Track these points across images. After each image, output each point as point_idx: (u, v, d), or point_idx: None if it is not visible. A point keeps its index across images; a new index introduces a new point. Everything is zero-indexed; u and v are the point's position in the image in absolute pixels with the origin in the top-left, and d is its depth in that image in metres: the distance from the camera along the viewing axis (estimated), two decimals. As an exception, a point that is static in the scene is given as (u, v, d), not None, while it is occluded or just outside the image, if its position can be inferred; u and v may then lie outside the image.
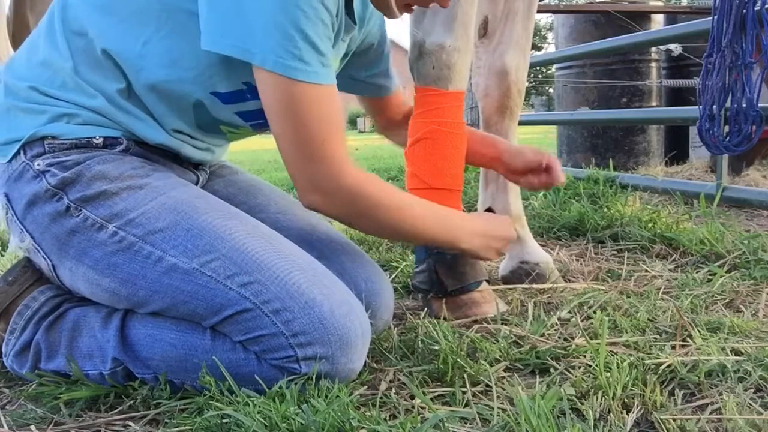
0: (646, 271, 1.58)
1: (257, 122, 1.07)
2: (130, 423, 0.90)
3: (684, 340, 1.09)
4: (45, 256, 1.00)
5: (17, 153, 0.98)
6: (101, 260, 0.95)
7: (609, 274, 1.57)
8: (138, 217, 0.95)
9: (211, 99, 1.01)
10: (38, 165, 0.96)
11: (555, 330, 1.16)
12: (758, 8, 1.89)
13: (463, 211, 1.76)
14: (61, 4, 1.01)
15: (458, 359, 0.97)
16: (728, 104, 2.03)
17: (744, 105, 1.98)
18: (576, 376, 0.93)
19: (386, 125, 1.43)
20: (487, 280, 1.33)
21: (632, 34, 3.12)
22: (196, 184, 1.14)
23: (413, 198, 1.10)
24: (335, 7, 0.95)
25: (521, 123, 1.79)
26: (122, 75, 0.98)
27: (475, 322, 1.24)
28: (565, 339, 1.11)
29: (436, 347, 1.01)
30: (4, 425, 0.91)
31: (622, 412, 0.84)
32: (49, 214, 0.96)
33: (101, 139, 0.99)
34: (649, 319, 1.18)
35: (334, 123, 0.96)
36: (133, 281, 0.94)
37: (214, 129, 1.09)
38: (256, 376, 0.90)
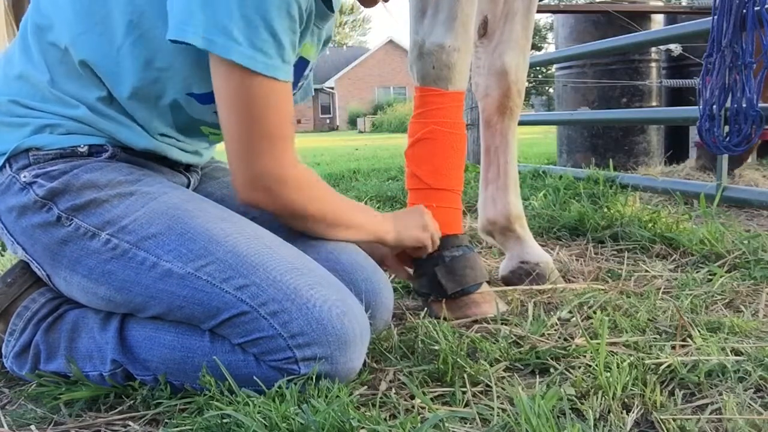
0: (646, 271, 1.58)
1: None
2: (130, 423, 0.90)
3: (684, 340, 1.09)
4: (39, 267, 1.00)
5: (2, 167, 0.97)
6: (95, 269, 0.95)
7: (609, 274, 1.57)
8: (130, 223, 0.94)
9: (187, 100, 1.00)
10: (24, 177, 0.96)
11: (555, 330, 1.16)
12: (758, 8, 1.89)
13: (463, 211, 1.76)
14: (34, 15, 0.99)
15: (458, 359, 0.97)
16: (728, 104, 2.04)
17: (744, 105, 1.98)
18: (576, 376, 0.93)
19: None
20: (487, 282, 1.33)
21: (632, 34, 3.12)
22: (188, 186, 1.14)
23: (344, 200, 1.13)
24: (306, 1, 0.95)
25: (521, 123, 1.79)
26: (101, 83, 0.97)
27: (475, 322, 1.24)
28: (565, 339, 1.11)
29: (436, 347, 1.01)
30: (4, 425, 0.91)
31: (622, 412, 0.84)
32: (40, 225, 0.96)
33: (86, 148, 0.98)
34: (649, 319, 1.18)
35: (288, 120, 0.96)
36: (129, 288, 0.94)
37: (195, 130, 1.08)
38: (255, 378, 0.89)
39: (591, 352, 1.01)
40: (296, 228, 1.08)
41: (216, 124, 1.07)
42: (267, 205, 0.99)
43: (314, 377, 0.89)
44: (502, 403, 0.88)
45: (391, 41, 37.29)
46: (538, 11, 2.77)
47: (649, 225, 1.91)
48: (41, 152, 0.97)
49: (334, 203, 1.09)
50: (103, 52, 0.95)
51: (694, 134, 3.54)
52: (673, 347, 1.05)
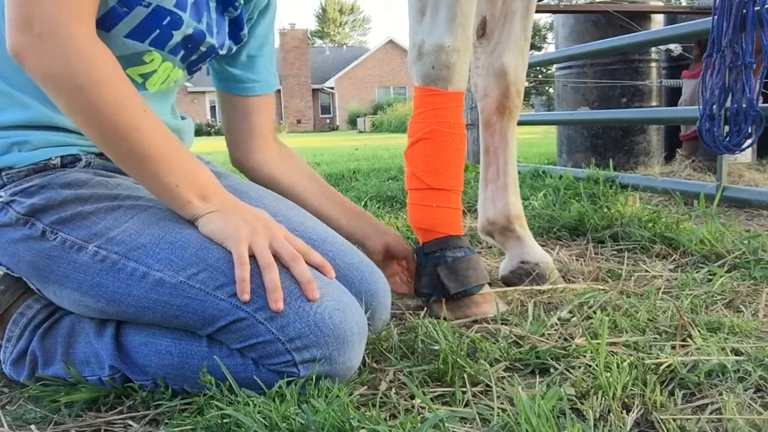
0: (646, 271, 1.58)
1: (153, 37, 0.99)
2: (130, 423, 0.90)
3: (684, 340, 1.09)
4: (27, 280, 1.00)
5: None
6: (84, 282, 0.93)
7: (609, 274, 1.57)
8: (119, 234, 0.92)
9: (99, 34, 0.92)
10: (1, 197, 0.95)
11: (555, 330, 1.16)
12: (758, 8, 1.89)
13: (463, 211, 1.76)
14: None
15: (458, 359, 0.97)
16: (728, 104, 2.04)
17: (744, 105, 1.98)
18: (576, 376, 0.93)
19: (245, 153, 1.26)
20: (489, 283, 1.33)
21: (632, 34, 3.12)
22: None
23: (154, 117, 0.91)
24: None
25: (521, 123, 1.79)
26: None
27: (475, 322, 1.24)
28: (565, 339, 1.11)
29: (436, 347, 1.01)
30: (4, 425, 0.91)
31: (622, 412, 0.84)
32: (22, 240, 0.94)
33: (58, 159, 0.98)
34: (649, 319, 1.18)
35: None
36: (120, 300, 0.92)
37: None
38: (254, 380, 0.88)
39: (591, 352, 1.01)
40: (69, 111, 0.88)
41: (139, 51, 0.99)
42: (33, 59, 0.83)
43: (314, 378, 0.88)
44: (502, 403, 0.88)
45: (391, 41, 37.31)
46: (538, 11, 2.77)
47: (649, 225, 1.91)
48: (14, 170, 0.96)
49: (129, 109, 0.87)
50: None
51: (683, 130, 3.55)
52: (673, 347, 1.05)
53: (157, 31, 0.99)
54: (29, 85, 0.95)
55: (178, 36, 1.02)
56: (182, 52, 1.06)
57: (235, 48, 1.17)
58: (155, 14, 0.97)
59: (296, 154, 1.35)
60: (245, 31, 1.16)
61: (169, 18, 0.98)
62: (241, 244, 0.89)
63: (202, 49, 1.08)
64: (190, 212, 0.94)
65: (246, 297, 0.87)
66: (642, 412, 0.85)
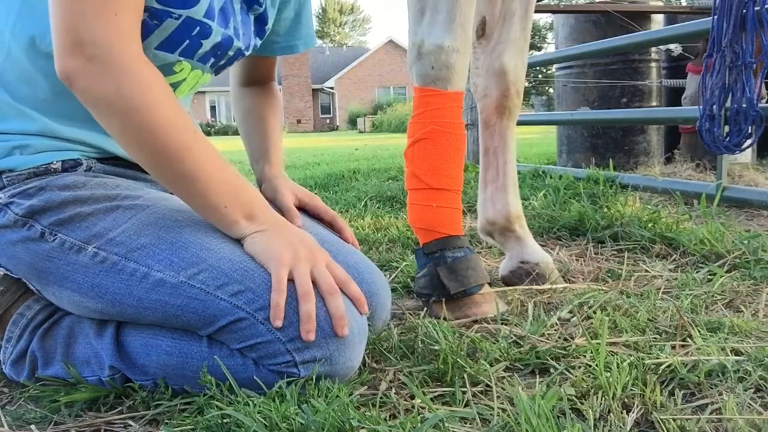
0: (646, 271, 1.58)
1: (183, 48, 0.99)
2: (130, 423, 0.90)
3: (684, 340, 1.09)
4: (26, 282, 1.00)
5: None
6: (84, 283, 0.93)
7: (609, 274, 1.57)
8: (118, 235, 0.92)
9: None
10: (0, 199, 0.95)
11: (555, 330, 1.16)
12: (758, 8, 1.90)
13: (463, 211, 1.76)
14: None
15: (458, 359, 0.97)
16: (728, 104, 2.04)
17: (744, 105, 1.98)
18: (576, 376, 0.93)
19: (244, 82, 1.30)
20: (489, 283, 1.33)
21: (632, 34, 3.12)
22: None
23: (203, 138, 0.92)
24: None
25: (521, 123, 1.80)
26: (49, 69, 0.91)
27: (475, 322, 1.24)
28: (565, 339, 1.11)
29: (436, 347, 1.01)
30: (4, 425, 0.91)
31: (622, 412, 0.84)
32: (21, 242, 0.94)
33: (59, 164, 0.98)
34: (649, 319, 1.18)
35: (129, 5, 0.85)
36: (120, 300, 0.92)
37: None
38: (255, 380, 0.88)
39: (591, 352, 1.01)
40: (118, 136, 0.87)
41: (168, 62, 1.00)
42: (84, 82, 0.83)
43: (314, 378, 0.88)
44: (502, 403, 0.88)
45: (391, 41, 37.31)
46: (538, 11, 2.76)
47: (649, 225, 1.91)
48: (14, 173, 0.96)
49: (182, 130, 0.87)
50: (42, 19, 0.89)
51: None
52: (673, 347, 1.05)
53: (187, 41, 0.99)
54: (34, 99, 0.96)
55: (207, 45, 1.02)
56: (212, 60, 1.07)
57: (260, 44, 1.16)
58: (185, 25, 0.97)
59: (274, 101, 1.32)
60: (269, 24, 1.15)
61: (198, 28, 0.99)
62: (282, 269, 0.89)
63: (230, 53, 1.08)
64: (237, 232, 0.94)
65: (278, 323, 0.86)
66: (642, 412, 0.85)
